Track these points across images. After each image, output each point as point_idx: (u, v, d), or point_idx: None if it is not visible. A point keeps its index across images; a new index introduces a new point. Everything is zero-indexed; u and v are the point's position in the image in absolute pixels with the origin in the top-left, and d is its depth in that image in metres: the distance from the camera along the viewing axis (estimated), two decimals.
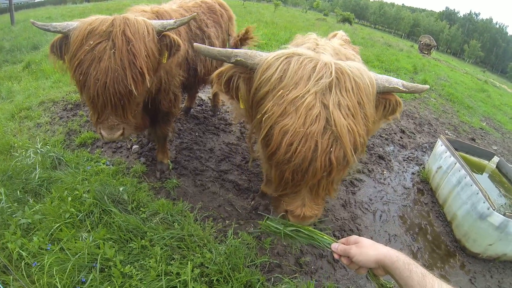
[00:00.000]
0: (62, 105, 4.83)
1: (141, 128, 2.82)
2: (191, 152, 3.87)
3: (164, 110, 2.89)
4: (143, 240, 2.45)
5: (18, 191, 2.83)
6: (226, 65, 1.64)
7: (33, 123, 4.26)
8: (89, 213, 2.63)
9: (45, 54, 8.26)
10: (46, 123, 4.26)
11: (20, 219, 2.50)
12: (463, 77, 19.20)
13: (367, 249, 1.17)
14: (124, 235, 2.49)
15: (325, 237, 1.43)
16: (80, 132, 4.04)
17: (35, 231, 2.46)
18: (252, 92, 1.53)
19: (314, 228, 1.52)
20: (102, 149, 3.69)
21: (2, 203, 2.59)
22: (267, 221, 1.61)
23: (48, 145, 3.56)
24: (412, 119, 6.77)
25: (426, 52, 24.76)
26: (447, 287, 1.00)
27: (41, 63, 7.40)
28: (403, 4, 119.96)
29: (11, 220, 2.49)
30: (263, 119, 1.39)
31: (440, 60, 25.97)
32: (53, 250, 2.26)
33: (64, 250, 2.28)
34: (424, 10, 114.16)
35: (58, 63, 2.15)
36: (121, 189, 2.83)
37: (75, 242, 2.32)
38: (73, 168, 3.20)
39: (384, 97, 1.57)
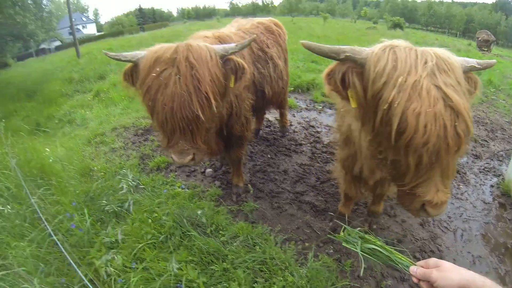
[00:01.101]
0: (133, 130, 5.31)
1: (216, 153, 3.00)
2: (265, 175, 4.01)
3: (237, 134, 3.03)
4: (224, 263, 2.57)
5: (99, 212, 3.17)
6: (335, 63, 1.72)
7: (108, 148, 4.73)
8: (169, 235, 2.83)
9: (111, 83, 9.21)
10: (120, 148, 4.70)
11: (104, 238, 2.78)
12: None
13: (449, 273, 1.14)
14: (205, 258, 2.63)
15: (403, 258, 1.44)
16: (153, 156, 4.39)
17: (119, 250, 2.72)
18: (369, 85, 1.59)
19: (393, 249, 1.53)
20: (176, 173, 3.98)
21: (87, 223, 2.87)
22: (344, 237, 1.66)
23: (124, 169, 3.96)
24: (482, 125, 6.35)
25: (485, 49, 23.34)
26: None
27: (109, 91, 8.24)
28: (452, 0, 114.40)
29: (96, 239, 2.75)
30: (392, 109, 1.47)
31: (502, 56, 24.08)
32: (138, 268, 2.46)
33: (147, 269, 2.48)
34: (475, 4, 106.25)
35: (130, 90, 2.37)
36: (199, 212, 3.01)
37: (158, 262, 2.52)
38: (150, 191, 3.50)
39: (467, 75, 1.62)
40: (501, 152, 5.30)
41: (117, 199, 3.31)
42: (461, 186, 4.19)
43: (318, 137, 5.10)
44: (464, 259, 3.10)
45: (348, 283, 2.63)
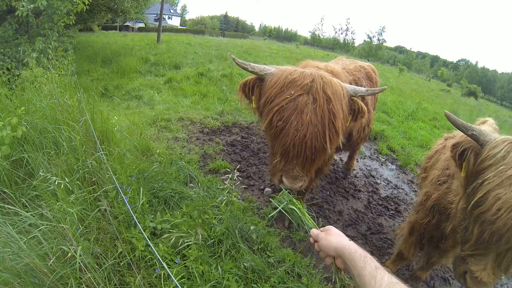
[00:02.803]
0: (199, 126, 5.40)
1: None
2: (320, 210, 3.97)
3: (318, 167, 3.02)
4: (266, 284, 2.52)
5: (149, 195, 3.18)
6: (462, 137, 2.01)
7: (171, 135, 4.82)
8: (218, 241, 2.77)
9: (185, 75, 9.57)
10: (183, 140, 4.77)
11: (149, 222, 2.78)
12: None
13: (331, 236, 1.33)
14: (249, 274, 2.58)
15: (310, 222, 1.69)
16: (215, 158, 4.41)
17: (161, 239, 2.69)
18: (477, 164, 1.84)
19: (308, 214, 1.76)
20: (235, 182, 3.98)
21: (140, 202, 2.86)
22: (278, 197, 1.90)
23: (183, 161, 4.00)
24: None
25: None
26: (397, 282, 1.05)
27: (182, 82, 8.54)
28: None
29: (141, 220, 2.76)
30: (483, 185, 1.73)
31: None
32: (180, 265, 2.42)
33: (187, 268, 2.44)
34: None
35: (244, 101, 2.42)
36: (252, 227, 2.94)
37: (201, 264, 2.46)
38: (205, 191, 3.50)
39: None
40: None
41: (171, 188, 3.32)
42: (503, 277, 3.98)
43: (376, 188, 5.02)
44: None
45: None
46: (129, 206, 2.34)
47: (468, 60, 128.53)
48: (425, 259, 2.95)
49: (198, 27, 66.64)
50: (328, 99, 2.05)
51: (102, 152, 3.23)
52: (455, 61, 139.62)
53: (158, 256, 1.99)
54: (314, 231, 1.46)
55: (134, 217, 2.23)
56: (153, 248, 2.04)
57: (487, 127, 3.02)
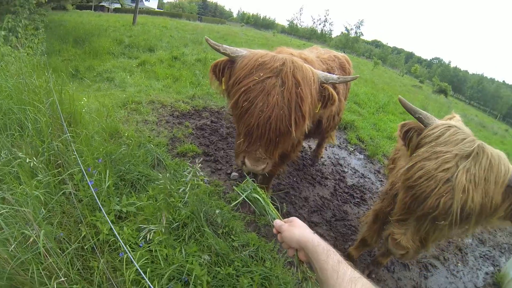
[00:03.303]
0: (170, 110, 5.28)
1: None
2: (286, 196, 3.97)
3: (284, 152, 2.98)
4: (230, 268, 2.50)
5: (116, 177, 3.09)
6: (408, 121, 2.23)
7: (141, 118, 4.69)
8: (183, 224, 2.74)
9: (159, 58, 9.31)
10: (153, 122, 4.66)
11: (115, 205, 2.69)
12: None
13: (295, 228, 1.29)
14: (213, 258, 2.56)
15: (274, 212, 1.64)
16: (183, 141, 4.33)
17: (126, 222, 2.62)
18: (418, 142, 2.04)
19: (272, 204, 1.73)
20: (201, 166, 3.91)
21: (106, 185, 2.76)
22: (242, 185, 1.84)
23: (151, 143, 3.90)
24: None
25: None
26: (359, 276, 1.04)
27: (155, 65, 8.31)
28: (503, 81, 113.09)
29: (106, 203, 2.67)
30: (413, 157, 1.94)
31: None
32: (144, 248, 2.36)
33: (151, 251, 2.37)
34: None
35: (214, 82, 2.37)
36: (217, 211, 2.91)
37: (165, 247, 2.42)
38: (171, 174, 3.42)
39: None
40: (505, 245, 5.37)
41: (138, 171, 3.23)
42: (459, 264, 4.30)
43: (343, 176, 5.08)
44: None
45: None
46: (93, 189, 2.24)
47: (442, 59, 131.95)
48: (387, 246, 3.04)
49: (175, 11, 65.08)
50: (297, 83, 2.03)
51: (69, 134, 3.10)
52: (429, 59, 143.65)
53: (120, 240, 1.91)
54: (277, 222, 1.42)
55: (98, 201, 2.13)
56: (116, 232, 1.96)
57: (453, 123, 3.27)
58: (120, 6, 41.85)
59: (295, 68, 2.06)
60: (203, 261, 2.41)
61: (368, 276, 3.21)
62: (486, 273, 4.34)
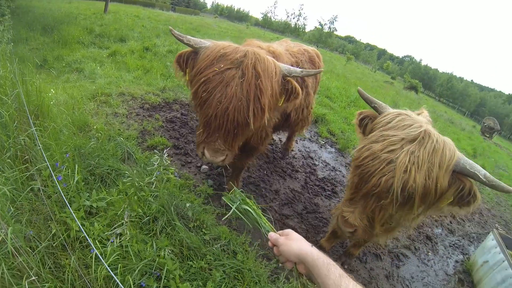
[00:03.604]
0: (140, 102, 5.19)
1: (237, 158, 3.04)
2: (257, 189, 3.99)
3: (252, 145, 2.99)
4: (202, 261, 2.52)
5: (85, 172, 3.02)
6: (364, 110, 2.39)
7: (111, 111, 4.59)
8: (153, 218, 2.72)
9: (130, 48, 9.06)
10: (123, 115, 4.57)
11: (85, 200, 2.64)
12: None
13: (292, 241, 1.29)
14: (185, 251, 2.57)
15: (267, 224, 1.64)
16: (153, 134, 4.28)
17: (97, 217, 2.58)
18: (371, 128, 2.16)
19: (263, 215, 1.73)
20: (172, 159, 3.88)
21: (75, 180, 2.69)
22: (230, 195, 1.83)
23: (121, 137, 3.83)
24: None
25: (488, 136, 24.70)
26: None
27: (126, 56, 8.08)
28: (472, 80, 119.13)
29: (76, 199, 2.60)
30: (362, 140, 2.07)
31: (501, 146, 25.26)
32: (114, 244, 2.33)
33: (123, 247, 2.35)
34: (493, 90, 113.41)
35: (179, 73, 2.36)
36: (187, 205, 2.91)
37: (136, 242, 2.40)
38: (142, 168, 3.38)
39: (461, 178, 1.87)
40: (473, 234, 5.59)
41: (107, 165, 3.17)
42: (430, 254, 4.44)
43: (314, 169, 5.14)
44: None
45: None
46: (58, 186, 2.18)
47: (413, 57, 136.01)
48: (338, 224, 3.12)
49: (149, 0, 63.05)
50: (257, 75, 2.03)
51: (35, 129, 2.99)
52: (401, 57, 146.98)
53: (87, 236, 1.88)
54: (273, 235, 1.40)
55: (64, 198, 2.08)
56: (83, 229, 1.93)
57: (421, 118, 3.36)
58: None
59: (256, 60, 2.06)
60: (167, 254, 2.40)
61: (341, 267, 3.26)
62: (456, 261, 4.50)
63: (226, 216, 2.07)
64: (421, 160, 1.75)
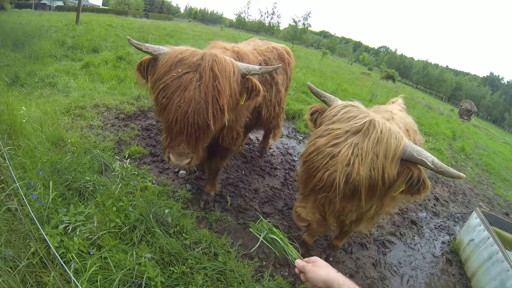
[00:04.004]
0: (115, 112, 5.14)
1: (204, 160, 3.03)
2: (236, 189, 4.00)
3: (224, 146, 3.01)
4: (184, 266, 2.52)
5: (63, 187, 2.97)
6: (315, 104, 2.30)
7: (85, 123, 4.54)
8: (133, 227, 2.71)
9: (103, 59, 8.91)
10: (98, 127, 4.52)
11: (62, 216, 2.61)
12: (502, 147, 19.20)
13: (319, 268, 1.35)
14: (165, 258, 2.56)
15: (294, 252, 1.69)
16: (130, 144, 4.26)
17: (76, 232, 2.55)
18: (320, 122, 2.09)
19: (290, 243, 1.77)
20: (149, 167, 3.86)
21: (50, 197, 2.68)
22: (257, 225, 1.92)
23: (97, 149, 3.79)
24: (447, 187, 6.75)
25: (466, 118, 25.21)
26: None
27: (99, 66, 7.95)
28: (447, 66, 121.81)
29: (54, 215, 2.58)
30: (310, 135, 2.03)
31: (479, 127, 26.07)
32: (95, 256, 2.32)
33: (104, 258, 2.34)
34: (467, 74, 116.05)
35: (141, 81, 2.35)
36: (166, 211, 2.92)
37: (117, 253, 2.39)
38: (119, 179, 3.35)
39: (409, 166, 1.81)
40: (458, 214, 5.67)
41: (85, 178, 3.14)
42: (416, 238, 4.48)
43: (293, 165, 5.16)
44: None
45: None
46: (28, 206, 2.15)
47: (388, 47, 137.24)
48: (339, 229, 3.08)
49: (121, 7, 62.04)
50: (215, 76, 2.05)
51: (8, 148, 2.96)
52: (376, 47, 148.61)
53: (56, 253, 1.86)
54: (300, 263, 1.45)
55: (33, 216, 2.06)
56: (52, 246, 1.90)
57: (396, 105, 3.38)
58: (62, 4, 39.35)
59: (214, 62, 2.07)
60: (147, 262, 2.40)
61: (326, 259, 3.29)
62: (443, 243, 4.57)
63: (254, 248, 2.38)
64: (364, 151, 1.72)
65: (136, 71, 2.32)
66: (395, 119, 2.47)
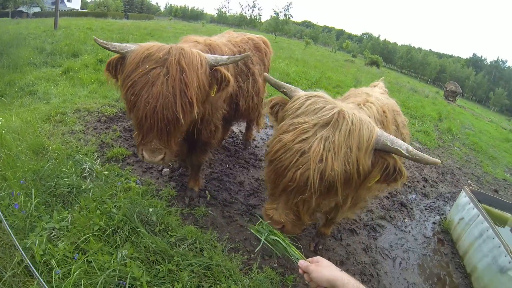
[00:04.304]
0: (96, 116, 5.09)
1: (178, 155, 2.97)
2: (220, 183, 3.98)
3: (203, 140, 3.00)
4: (169, 264, 2.51)
5: (46, 195, 2.95)
6: (275, 96, 2.14)
7: (67, 129, 4.48)
8: (117, 229, 2.70)
9: (83, 63, 8.79)
10: (80, 131, 4.47)
11: (46, 223, 2.59)
12: (488, 126, 19.51)
13: (323, 268, 1.32)
14: (151, 257, 2.55)
15: (296, 252, 1.63)
16: (112, 146, 4.21)
17: (61, 238, 2.54)
18: (282, 115, 1.94)
19: (292, 244, 1.72)
20: (133, 167, 3.83)
21: (32, 205, 2.66)
22: (257, 226, 1.84)
23: (80, 153, 3.74)
24: (435, 168, 6.80)
25: (451, 99, 25.60)
26: None
27: (80, 71, 7.84)
28: (430, 49, 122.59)
29: (38, 223, 2.56)
30: (274, 132, 1.90)
31: (465, 107, 26.36)
32: (79, 260, 2.31)
33: (90, 262, 2.32)
34: (451, 56, 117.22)
35: (111, 80, 2.31)
36: (150, 210, 2.91)
37: (102, 256, 2.38)
38: (103, 181, 3.33)
39: (384, 156, 1.72)
40: (447, 194, 5.71)
41: (67, 184, 3.11)
42: (406, 220, 4.47)
43: None
44: (399, 285, 3.28)
45: None
46: (1, 215, 2.11)
47: (371, 33, 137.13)
48: (325, 217, 3.07)
49: (100, 10, 60.92)
50: (182, 69, 2.03)
51: None
52: (359, 34, 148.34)
53: (29, 263, 1.83)
54: (303, 263, 1.42)
55: (7, 227, 2.01)
56: (25, 256, 1.88)
57: (377, 89, 3.29)
58: (40, 10, 38.42)
59: (180, 55, 2.06)
60: (131, 261, 2.39)
61: (315, 248, 3.32)
62: (434, 223, 4.59)
63: (257, 249, 2.28)
64: (337, 145, 1.60)
65: (105, 71, 2.28)
66: (369, 100, 2.35)
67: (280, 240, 1.71)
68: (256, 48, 3.87)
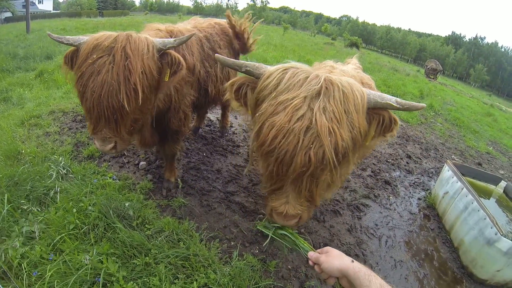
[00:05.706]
0: (71, 116, 4.94)
1: (150, 145, 2.92)
2: (198, 172, 3.91)
3: (173, 129, 2.95)
4: (147, 257, 2.47)
5: (23, 198, 2.86)
6: (238, 76, 1.87)
7: (42, 132, 4.34)
8: (93, 226, 2.64)
9: (57, 64, 8.48)
10: (55, 133, 4.34)
11: (22, 227, 2.51)
12: (469, 101, 19.66)
13: (333, 258, 1.29)
14: (128, 251, 2.50)
15: (306, 244, 1.60)
16: (88, 144, 4.11)
17: (37, 240, 2.47)
18: (255, 97, 1.72)
19: (300, 236, 1.68)
20: (109, 163, 3.74)
21: (4, 210, 2.59)
22: (263, 223, 1.79)
23: (55, 155, 3.63)
24: (418, 144, 6.84)
25: (432, 77, 25.73)
26: None
27: (54, 73, 7.57)
28: (409, 29, 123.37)
29: (13, 227, 2.49)
30: (257, 116, 1.61)
31: (446, 84, 26.67)
32: (55, 260, 2.26)
33: (66, 262, 2.26)
34: (430, 35, 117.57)
35: (69, 74, 2.22)
36: (126, 204, 2.84)
37: (78, 255, 2.33)
38: (79, 180, 3.24)
39: (378, 112, 1.65)
40: (432, 169, 5.70)
41: (43, 186, 3.03)
42: (391, 197, 4.43)
43: None
44: (386, 263, 3.25)
45: (271, 282, 2.65)
46: None
47: (350, 16, 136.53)
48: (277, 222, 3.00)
49: (73, 9, 58.81)
50: (127, 56, 1.96)
51: None
52: (338, 17, 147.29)
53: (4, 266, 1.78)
54: (313, 255, 1.39)
55: None
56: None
57: (351, 65, 3.15)
58: (11, 15, 36.82)
59: (126, 42, 1.99)
60: (94, 256, 2.33)
61: (298, 231, 3.16)
62: (419, 199, 4.57)
63: (265, 244, 2.26)
64: (337, 113, 1.47)
65: (63, 65, 2.21)
66: (333, 72, 2.16)
67: (288, 234, 1.69)
68: (223, 33, 3.79)
